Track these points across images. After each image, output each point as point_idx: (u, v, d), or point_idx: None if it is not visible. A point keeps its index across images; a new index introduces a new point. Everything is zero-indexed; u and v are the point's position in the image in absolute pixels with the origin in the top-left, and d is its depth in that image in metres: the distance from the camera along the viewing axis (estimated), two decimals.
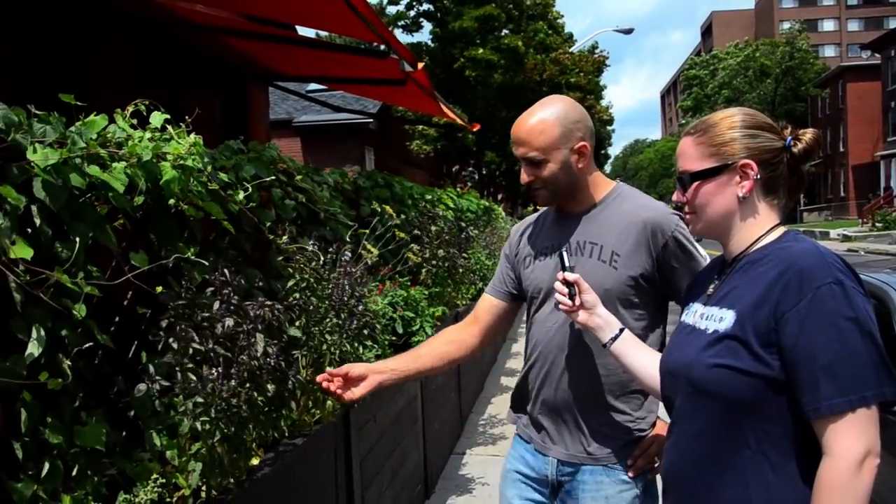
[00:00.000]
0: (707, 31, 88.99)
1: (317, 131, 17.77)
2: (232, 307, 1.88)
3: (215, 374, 1.78)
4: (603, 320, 1.82)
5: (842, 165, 52.84)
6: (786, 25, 56.71)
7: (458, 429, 6.07)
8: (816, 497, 1.34)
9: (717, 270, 1.66)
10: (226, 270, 1.94)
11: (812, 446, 1.38)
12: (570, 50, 23.35)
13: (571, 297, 1.80)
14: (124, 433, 2.04)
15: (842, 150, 52.61)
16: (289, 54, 7.39)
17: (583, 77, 22.61)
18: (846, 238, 31.30)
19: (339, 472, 2.85)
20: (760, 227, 1.55)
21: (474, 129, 8.21)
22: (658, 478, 1.88)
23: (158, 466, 1.99)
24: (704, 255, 2.02)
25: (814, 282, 1.37)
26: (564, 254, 1.83)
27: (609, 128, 26.03)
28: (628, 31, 24.92)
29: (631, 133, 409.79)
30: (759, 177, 1.53)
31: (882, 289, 3.97)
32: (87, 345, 1.85)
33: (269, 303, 1.97)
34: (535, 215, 2.29)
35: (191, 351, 1.83)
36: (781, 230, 1.55)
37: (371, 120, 16.70)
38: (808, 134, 1.56)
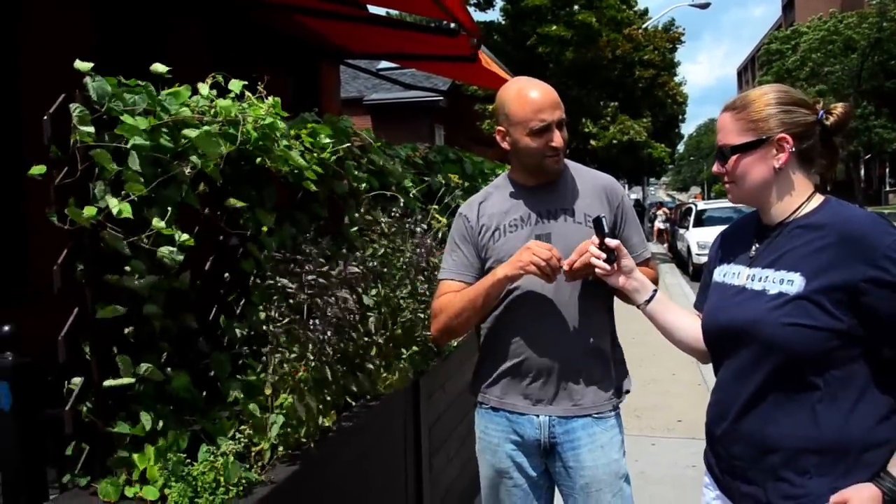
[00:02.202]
0: (788, 5, 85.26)
1: (387, 109, 17.90)
2: (320, 270, 1.96)
3: (312, 325, 1.86)
4: (639, 283, 1.94)
5: None
6: None
7: None
8: None
9: (754, 234, 1.76)
10: (319, 240, 2.01)
11: (880, 389, 1.53)
12: (644, 25, 22.72)
13: (609, 262, 1.89)
14: (204, 393, 2.14)
15: None
16: (360, 33, 7.47)
17: (657, 54, 21.94)
18: None
19: (408, 437, 2.92)
20: (800, 194, 1.67)
21: None
22: None
23: (236, 424, 2.09)
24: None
25: (880, 245, 1.50)
26: (604, 220, 1.91)
27: (683, 106, 25.21)
28: (705, 6, 24.17)
29: (707, 112, 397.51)
30: (794, 149, 1.65)
31: None
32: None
33: (355, 264, 2.05)
34: (482, 194, 2.35)
35: (283, 303, 1.91)
36: (821, 197, 1.67)
37: (441, 98, 16.72)
38: (839, 108, 1.68)
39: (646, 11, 23.85)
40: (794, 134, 1.65)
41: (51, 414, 1.76)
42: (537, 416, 2.16)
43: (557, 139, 2.14)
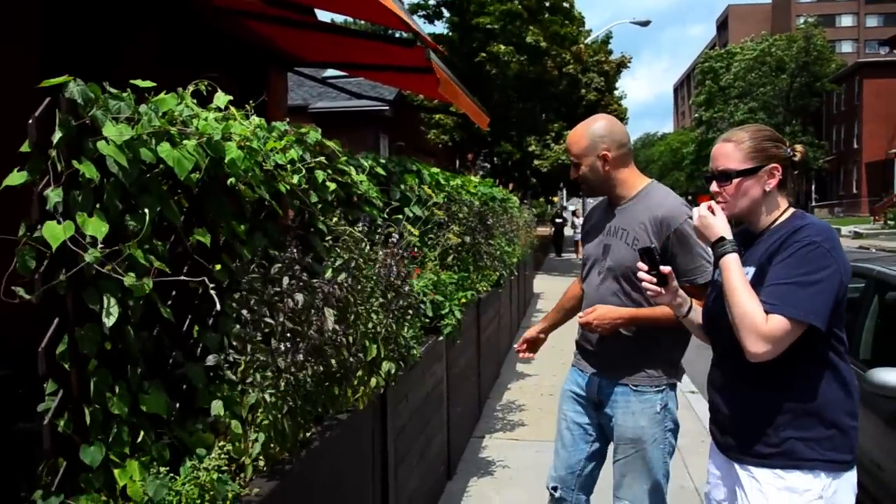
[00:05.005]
0: (723, 25, 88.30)
1: (332, 118, 17.78)
2: (301, 283, 1.94)
3: (283, 348, 1.84)
4: (682, 299, 2.35)
5: (855, 162, 52.48)
6: (802, 20, 56.02)
7: (476, 413, 6.13)
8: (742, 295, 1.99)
9: (743, 241, 2.21)
10: (293, 249, 1.99)
11: (824, 359, 2.00)
12: (586, 41, 23.05)
13: (661, 285, 2.28)
14: (178, 405, 2.10)
15: (855, 146, 52.23)
16: (310, 40, 7.37)
17: (601, 80, 22.30)
18: (857, 235, 31.14)
19: (375, 447, 2.91)
20: (778, 209, 2.14)
21: (483, 126, 8.25)
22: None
23: (212, 436, 2.06)
24: (703, 246, 2.63)
25: (797, 239, 1.98)
26: (655, 250, 2.30)
27: (623, 121, 25.69)
28: (645, 24, 24.75)
29: (646, 126, 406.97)
30: (781, 176, 2.11)
31: None
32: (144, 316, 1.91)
33: (338, 280, 2.03)
34: (597, 202, 3.08)
35: (262, 325, 1.88)
36: (792, 210, 2.15)
37: (387, 107, 16.72)
38: (799, 147, 2.19)
39: (583, 22, 24.04)
40: (781, 164, 2.12)
41: (25, 428, 1.71)
42: (594, 378, 2.84)
43: (573, 174, 2.85)
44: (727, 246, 2.07)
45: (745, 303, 1.96)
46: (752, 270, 2.08)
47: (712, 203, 2.19)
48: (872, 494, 3.63)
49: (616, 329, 2.72)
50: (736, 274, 2.02)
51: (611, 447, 2.90)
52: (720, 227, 2.12)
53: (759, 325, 1.92)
